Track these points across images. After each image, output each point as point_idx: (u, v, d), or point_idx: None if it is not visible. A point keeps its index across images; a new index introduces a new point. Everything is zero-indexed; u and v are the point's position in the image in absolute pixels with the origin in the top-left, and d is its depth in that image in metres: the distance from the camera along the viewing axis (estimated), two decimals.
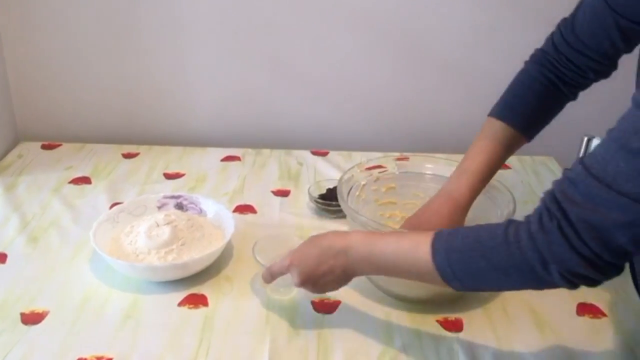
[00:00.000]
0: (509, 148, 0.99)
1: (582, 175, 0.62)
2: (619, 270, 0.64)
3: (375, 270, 0.82)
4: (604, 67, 0.95)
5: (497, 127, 0.98)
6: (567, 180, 0.64)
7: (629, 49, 0.92)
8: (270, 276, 0.90)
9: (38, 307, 0.94)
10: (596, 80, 0.98)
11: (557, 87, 0.97)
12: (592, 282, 0.65)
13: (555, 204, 0.64)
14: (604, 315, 0.96)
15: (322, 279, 0.83)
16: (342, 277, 0.83)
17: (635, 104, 0.60)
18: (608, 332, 0.92)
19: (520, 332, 0.92)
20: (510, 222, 0.69)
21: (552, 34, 0.98)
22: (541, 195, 0.67)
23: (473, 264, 0.69)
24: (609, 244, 0.61)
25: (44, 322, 0.91)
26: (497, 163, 0.99)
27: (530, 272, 0.65)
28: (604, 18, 0.89)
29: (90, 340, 0.88)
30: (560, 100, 1.00)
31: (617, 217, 0.59)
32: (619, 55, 0.93)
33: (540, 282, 0.66)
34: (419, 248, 0.73)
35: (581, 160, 0.63)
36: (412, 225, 0.98)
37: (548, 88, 0.97)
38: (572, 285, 0.65)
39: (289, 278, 0.88)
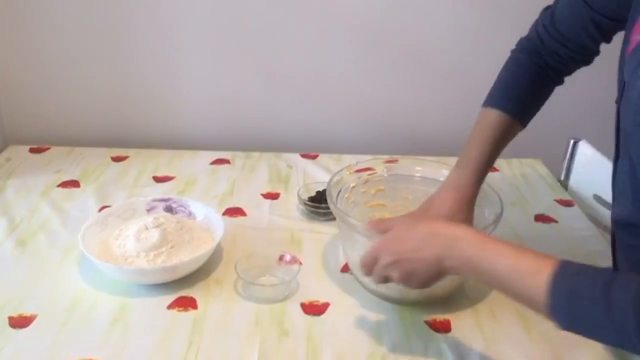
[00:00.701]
0: (506, 136, 1.00)
1: None
2: None
3: (474, 274, 0.75)
4: (584, 57, 0.98)
5: (494, 116, 0.99)
6: None
7: (608, 40, 0.96)
8: (365, 267, 0.85)
9: (26, 311, 0.93)
10: (578, 67, 1.01)
11: (546, 73, 1.00)
12: None
13: None
14: None
15: (412, 264, 0.78)
16: (434, 269, 0.77)
17: None
18: None
19: (507, 333, 0.92)
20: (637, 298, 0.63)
21: (535, 24, 1.01)
22: None
23: (593, 319, 0.64)
24: None
25: (32, 325, 0.90)
26: (496, 152, 0.99)
27: None
28: (580, 13, 0.93)
29: (79, 344, 0.87)
30: (549, 85, 1.02)
31: None
32: (598, 45, 0.97)
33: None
34: (538, 274, 0.67)
35: None
36: (417, 218, 0.98)
37: (537, 74, 1.00)
38: None
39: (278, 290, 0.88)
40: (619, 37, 0.92)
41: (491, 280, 0.73)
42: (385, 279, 0.84)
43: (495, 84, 1.02)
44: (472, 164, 0.97)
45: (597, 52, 0.98)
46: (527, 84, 1.00)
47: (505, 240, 0.74)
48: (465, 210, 0.96)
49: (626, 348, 0.66)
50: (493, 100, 1.00)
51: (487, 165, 0.98)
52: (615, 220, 0.90)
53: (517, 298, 0.72)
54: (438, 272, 0.78)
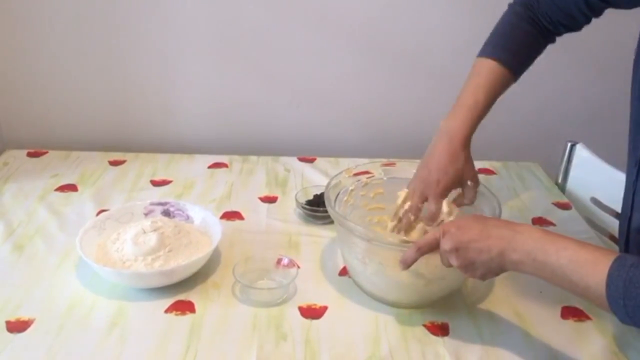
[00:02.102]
0: (499, 85, 1.01)
1: None
2: None
3: (535, 268, 0.76)
4: (574, 24, 1.01)
5: (488, 66, 1.01)
6: None
7: (597, 15, 0.98)
8: (418, 252, 0.86)
9: (23, 315, 0.93)
10: (568, 31, 1.04)
11: (539, 29, 1.02)
12: None
13: None
14: (589, 318, 0.96)
15: (474, 254, 0.80)
16: (496, 262, 0.79)
17: None
18: (592, 336, 0.93)
19: (505, 336, 0.92)
20: None
21: None
22: None
23: None
24: None
25: (29, 330, 0.90)
26: (489, 100, 1.00)
27: None
28: None
29: (77, 348, 0.87)
30: (542, 42, 1.05)
31: None
32: (588, 18, 0.99)
33: None
34: (596, 265, 0.70)
35: None
36: (423, 177, 1.00)
37: (533, 27, 1.02)
38: None
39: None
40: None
41: (551, 272, 0.74)
42: (447, 264, 0.85)
43: (491, 34, 1.05)
44: (464, 111, 0.99)
45: (588, 20, 1.00)
46: (523, 36, 1.02)
47: (564, 235, 0.75)
48: (459, 159, 0.97)
49: None
50: (489, 50, 1.03)
51: (479, 112, 0.99)
52: (637, 229, 0.86)
53: (576, 289, 0.73)
54: (500, 266, 0.79)
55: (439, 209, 0.98)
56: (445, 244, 0.82)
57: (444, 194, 0.99)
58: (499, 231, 0.79)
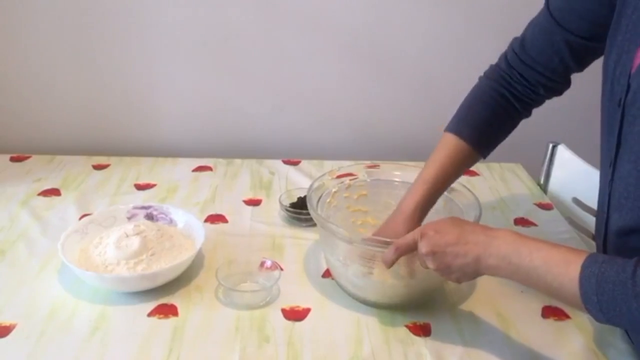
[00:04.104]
0: (461, 162, 1.01)
1: None
2: None
3: (510, 271, 0.77)
4: (555, 84, 0.98)
5: (451, 141, 1.00)
6: None
7: (580, 67, 0.96)
8: (396, 253, 0.87)
9: (5, 320, 0.92)
10: (548, 97, 1.01)
11: (510, 103, 1.00)
12: None
13: None
14: (568, 317, 0.97)
15: (450, 258, 0.81)
16: (472, 267, 0.80)
17: None
18: (572, 334, 0.94)
19: (487, 336, 0.93)
20: None
21: (505, 52, 1.02)
22: None
23: (623, 303, 0.67)
24: None
25: (11, 335, 0.90)
26: (448, 175, 1.00)
27: None
28: (553, 35, 0.94)
29: (59, 352, 0.87)
30: (513, 116, 1.02)
31: None
32: (569, 73, 0.97)
33: None
34: (569, 265, 0.71)
35: None
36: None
37: (501, 103, 1.00)
38: None
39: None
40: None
41: (526, 274, 0.75)
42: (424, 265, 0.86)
43: (458, 109, 1.03)
44: (417, 187, 0.99)
45: (568, 82, 0.98)
46: (489, 113, 1.00)
47: (538, 238, 0.77)
48: (409, 229, 0.95)
49: None
50: (453, 126, 1.02)
51: (433, 186, 0.99)
52: (615, 230, 0.85)
53: (551, 290, 0.74)
54: (476, 270, 0.80)
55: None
56: (423, 247, 0.83)
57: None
58: (476, 237, 0.80)
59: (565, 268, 0.71)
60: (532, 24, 0.98)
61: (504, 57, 1.01)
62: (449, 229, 0.82)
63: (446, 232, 0.82)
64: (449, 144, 1.01)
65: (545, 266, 0.73)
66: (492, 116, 1.01)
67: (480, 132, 1.01)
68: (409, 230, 0.92)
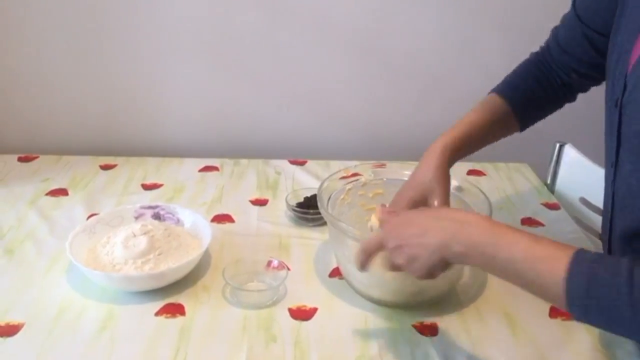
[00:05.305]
0: (499, 120, 1.00)
1: None
2: None
3: (483, 262, 0.71)
4: (586, 72, 1.00)
5: (492, 99, 1.01)
6: None
7: (604, 58, 0.94)
8: (364, 254, 0.82)
9: (13, 319, 0.93)
10: (584, 84, 1.03)
11: (555, 81, 1.03)
12: None
13: None
14: None
15: (417, 250, 0.74)
16: (437, 256, 0.73)
17: None
18: (579, 334, 0.93)
19: (494, 336, 0.93)
20: None
21: (547, 40, 1.05)
22: None
23: (615, 310, 0.62)
24: None
25: (19, 334, 0.90)
26: (483, 128, 0.98)
27: None
28: (575, 29, 0.97)
29: (67, 352, 0.87)
30: (558, 94, 1.04)
31: None
32: (596, 63, 0.96)
33: None
34: (554, 262, 0.65)
35: None
36: (404, 190, 0.99)
37: (547, 77, 1.03)
38: None
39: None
40: None
41: (502, 267, 0.69)
42: (393, 267, 0.80)
43: (507, 76, 1.05)
44: (453, 130, 0.98)
45: (599, 72, 0.95)
46: (534, 83, 1.02)
47: (516, 228, 0.71)
48: (427, 176, 0.94)
49: None
50: (496, 87, 1.03)
51: (470, 134, 0.97)
52: (620, 230, 0.84)
53: (531, 287, 0.69)
54: (442, 259, 0.73)
55: None
56: (388, 242, 0.78)
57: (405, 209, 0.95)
58: (441, 223, 0.74)
59: (550, 265, 0.65)
60: (564, 16, 1.01)
61: (545, 43, 1.05)
62: (415, 219, 0.77)
63: (412, 222, 0.77)
64: (489, 101, 1.00)
65: (527, 262, 0.67)
66: (537, 86, 1.02)
67: (524, 98, 1.01)
68: (434, 174, 0.91)
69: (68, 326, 0.92)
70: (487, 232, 0.70)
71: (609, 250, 0.89)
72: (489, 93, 1.04)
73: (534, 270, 0.66)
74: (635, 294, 0.60)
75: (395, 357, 0.88)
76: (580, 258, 0.64)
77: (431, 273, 0.76)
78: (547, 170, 1.43)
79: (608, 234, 0.88)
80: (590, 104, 1.38)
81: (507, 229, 0.70)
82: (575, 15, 0.96)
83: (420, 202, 0.95)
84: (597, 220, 1.26)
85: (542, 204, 1.33)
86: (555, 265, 0.65)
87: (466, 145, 0.98)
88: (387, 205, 0.99)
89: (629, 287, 0.60)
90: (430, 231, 0.74)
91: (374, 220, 0.94)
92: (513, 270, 0.69)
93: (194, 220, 1.13)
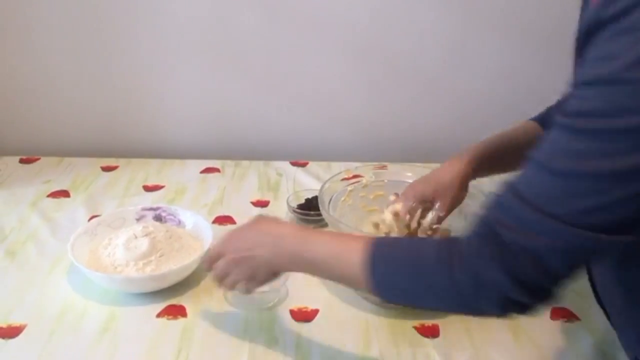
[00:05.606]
0: (532, 145, 1.01)
1: (512, 199, 0.59)
2: (553, 296, 0.62)
3: (303, 268, 0.78)
4: None
5: (530, 124, 1.00)
6: (498, 205, 0.62)
7: None
8: (210, 261, 0.84)
9: (15, 321, 0.93)
10: None
11: None
12: (524, 309, 0.63)
13: (488, 228, 0.62)
14: (577, 319, 0.97)
15: (250, 263, 0.79)
16: (266, 268, 0.79)
17: (557, 125, 0.58)
18: (581, 336, 0.93)
19: (495, 337, 0.93)
20: (441, 243, 0.67)
21: None
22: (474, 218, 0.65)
23: (405, 281, 0.68)
24: (544, 268, 0.58)
25: (21, 335, 0.90)
26: (511, 152, 0.97)
27: (460, 296, 0.63)
28: None
29: (68, 353, 0.87)
30: None
31: (549, 241, 0.57)
32: None
33: (468, 307, 0.65)
34: (351, 248, 0.71)
35: (509, 184, 0.61)
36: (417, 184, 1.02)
37: None
38: (503, 311, 0.63)
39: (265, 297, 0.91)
40: None
41: (318, 269, 0.76)
42: (232, 283, 0.82)
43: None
44: (476, 149, 0.99)
45: None
46: None
47: (327, 231, 0.76)
48: (456, 185, 0.97)
49: (458, 309, 0.69)
50: (540, 117, 1.01)
51: (493, 155, 0.98)
52: None
53: (342, 280, 0.75)
54: (272, 272, 0.80)
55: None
56: (228, 255, 0.81)
57: (415, 204, 0.99)
58: (265, 238, 0.79)
59: (350, 255, 0.71)
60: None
61: None
62: (243, 235, 0.81)
63: (243, 236, 0.81)
64: (525, 124, 1.00)
65: (333, 258, 0.73)
66: None
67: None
68: (455, 186, 0.95)
69: (70, 328, 0.92)
70: (299, 240, 0.76)
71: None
72: (528, 120, 1.02)
73: (339, 264, 0.72)
74: (417, 264, 0.67)
75: (396, 358, 0.88)
76: (376, 243, 0.70)
77: (263, 283, 0.82)
78: None
79: None
80: None
81: (315, 233, 0.79)
82: None
83: (429, 199, 0.98)
84: None
85: None
86: (355, 256, 0.70)
87: (495, 158, 0.99)
88: (400, 195, 1.02)
89: (411, 260, 0.67)
90: (258, 247, 0.79)
91: (386, 214, 0.98)
92: (324, 269, 0.75)
93: (195, 222, 1.13)
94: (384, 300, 0.74)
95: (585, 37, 0.57)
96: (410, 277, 0.67)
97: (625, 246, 0.57)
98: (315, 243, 0.75)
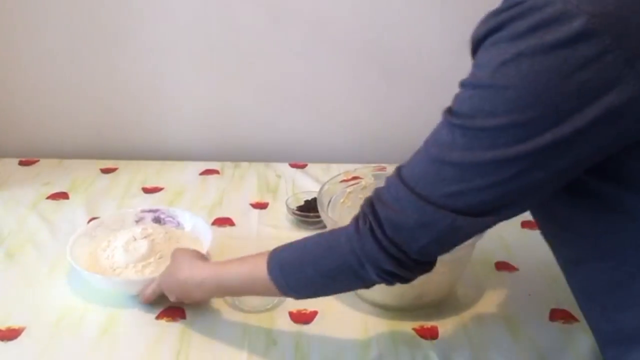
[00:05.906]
0: None
1: (394, 179, 0.67)
2: (427, 268, 0.71)
3: (231, 296, 0.95)
4: None
5: None
6: (385, 184, 0.69)
7: None
8: (150, 297, 0.96)
9: (14, 324, 0.93)
10: None
11: None
12: (403, 279, 0.71)
13: (370, 206, 0.69)
14: (576, 320, 0.97)
15: (189, 300, 0.93)
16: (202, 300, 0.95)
17: (442, 117, 0.67)
18: (580, 337, 0.93)
19: (494, 339, 0.93)
20: (333, 230, 0.75)
21: None
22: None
23: (303, 274, 0.75)
24: (413, 243, 0.66)
25: (19, 338, 0.90)
26: None
27: (352, 274, 0.71)
28: None
29: (67, 356, 0.88)
30: None
31: (417, 218, 0.64)
32: None
33: (362, 281, 0.72)
34: (257, 268, 0.78)
35: (399, 166, 0.68)
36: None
37: None
38: (387, 282, 0.71)
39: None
40: None
41: (245, 294, 0.92)
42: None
43: None
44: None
45: None
46: None
47: (235, 258, 0.85)
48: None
49: (355, 285, 0.78)
50: None
51: None
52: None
53: (267, 294, 0.85)
54: (202, 298, 0.95)
55: None
56: (170, 297, 0.92)
57: None
58: (185, 287, 0.89)
59: (256, 272, 0.78)
60: None
61: None
62: (173, 286, 0.91)
63: (174, 288, 0.91)
64: None
65: (245, 280, 0.82)
66: None
67: None
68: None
69: (69, 330, 0.92)
70: (217, 278, 0.86)
71: None
72: None
73: (251, 283, 0.81)
74: (309, 255, 0.75)
75: None
76: (273, 253, 0.78)
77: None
78: None
79: None
80: None
81: (223, 265, 0.87)
82: None
83: None
84: None
85: None
86: (260, 269, 0.78)
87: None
88: None
89: (304, 253, 0.75)
90: (184, 298, 0.91)
91: None
92: (241, 291, 0.89)
93: (194, 224, 1.13)
94: (295, 298, 0.82)
95: (475, 47, 0.66)
96: (307, 269, 0.74)
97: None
98: (229, 275, 0.84)
